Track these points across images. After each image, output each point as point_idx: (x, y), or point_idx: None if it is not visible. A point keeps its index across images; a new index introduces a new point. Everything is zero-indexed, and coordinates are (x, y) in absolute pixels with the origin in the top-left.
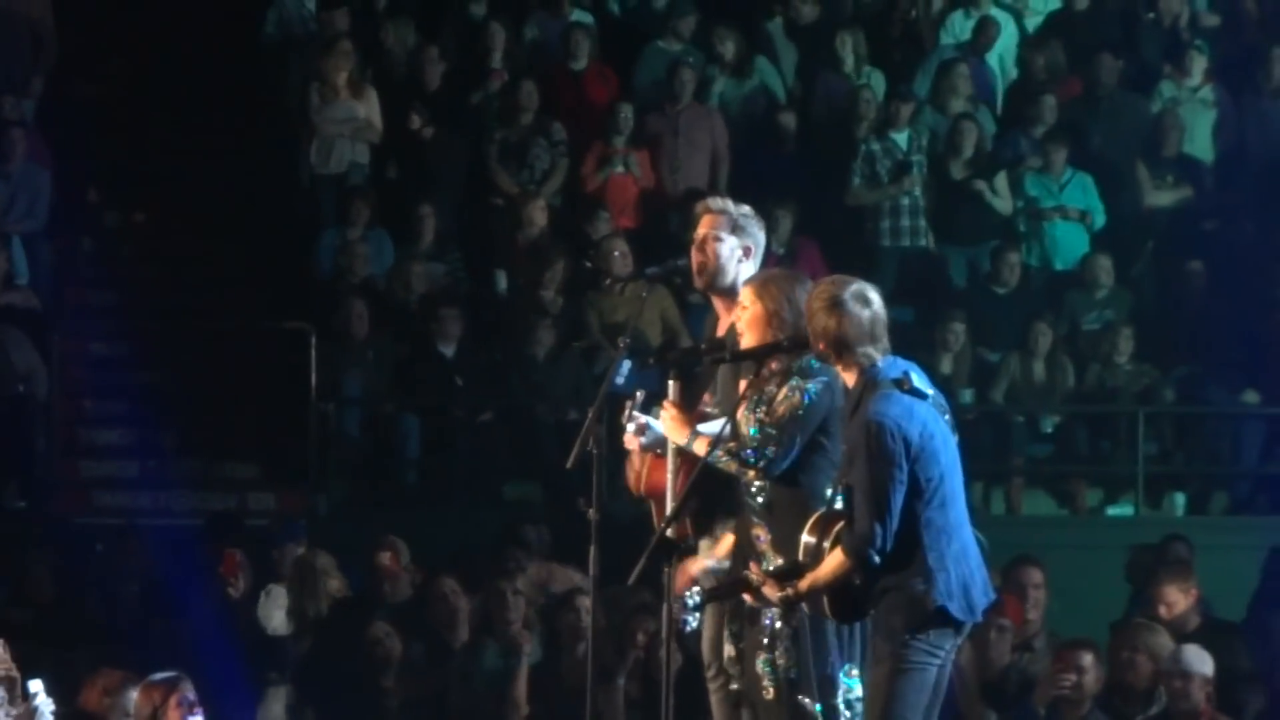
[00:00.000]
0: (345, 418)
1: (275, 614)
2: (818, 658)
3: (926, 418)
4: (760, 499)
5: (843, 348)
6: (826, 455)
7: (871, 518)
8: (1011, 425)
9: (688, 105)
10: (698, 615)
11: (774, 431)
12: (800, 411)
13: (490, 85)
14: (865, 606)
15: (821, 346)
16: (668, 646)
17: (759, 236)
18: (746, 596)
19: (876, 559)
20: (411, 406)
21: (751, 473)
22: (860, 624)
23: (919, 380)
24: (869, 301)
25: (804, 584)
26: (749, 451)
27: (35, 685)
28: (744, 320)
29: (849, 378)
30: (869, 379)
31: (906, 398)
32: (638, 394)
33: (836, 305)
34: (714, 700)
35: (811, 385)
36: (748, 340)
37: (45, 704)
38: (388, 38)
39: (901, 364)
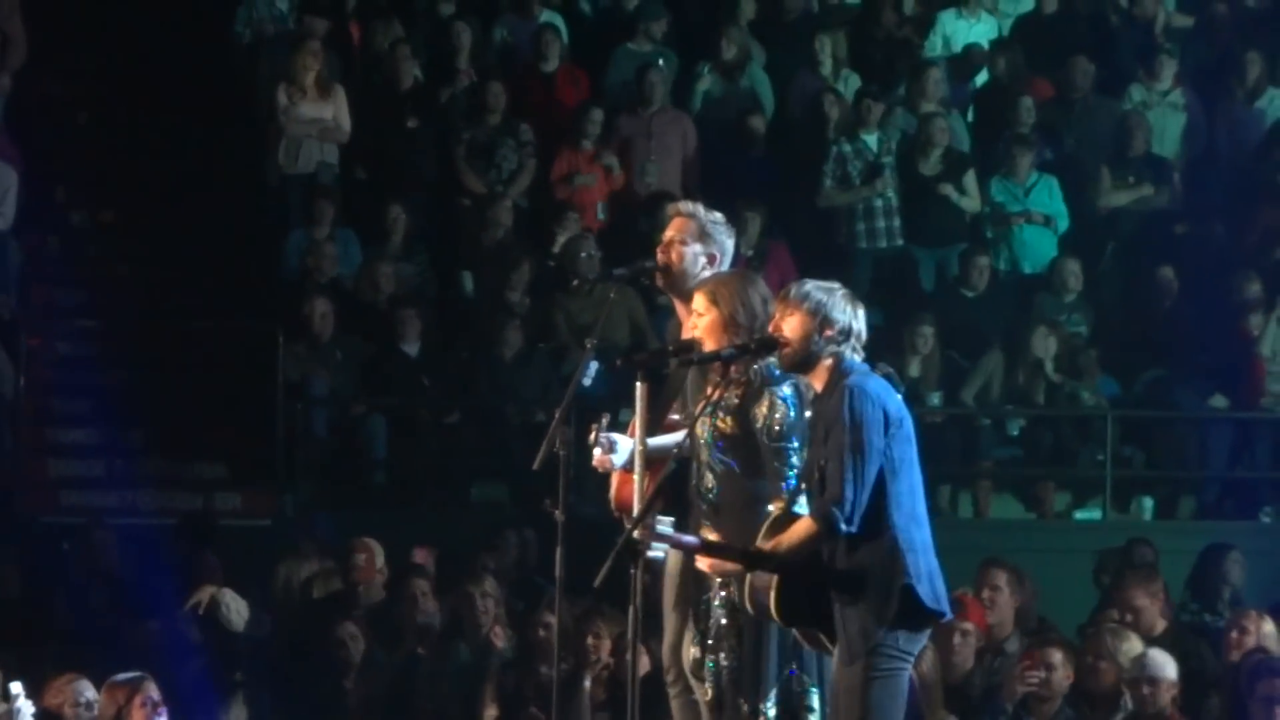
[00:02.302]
0: (313, 418)
1: (235, 616)
2: (760, 660)
3: (901, 404)
4: (710, 498)
5: (809, 340)
6: (783, 460)
7: (844, 482)
8: (980, 428)
9: (660, 108)
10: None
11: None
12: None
13: (458, 85)
14: (813, 607)
15: (791, 347)
16: (634, 647)
17: (726, 244)
18: (702, 559)
19: (844, 527)
20: (379, 407)
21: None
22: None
23: (892, 379)
24: (833, 291)
25: (769, 545)
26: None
27: (16, 687)
28: (701, 327)
29: (821, 376)
30: (845, 368)
31: (883, 382)
32: (603, 416)
33: (794, 297)
34: (674, 706)
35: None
36: (708, 346)
37: (26, 705)
38: (358, 38)
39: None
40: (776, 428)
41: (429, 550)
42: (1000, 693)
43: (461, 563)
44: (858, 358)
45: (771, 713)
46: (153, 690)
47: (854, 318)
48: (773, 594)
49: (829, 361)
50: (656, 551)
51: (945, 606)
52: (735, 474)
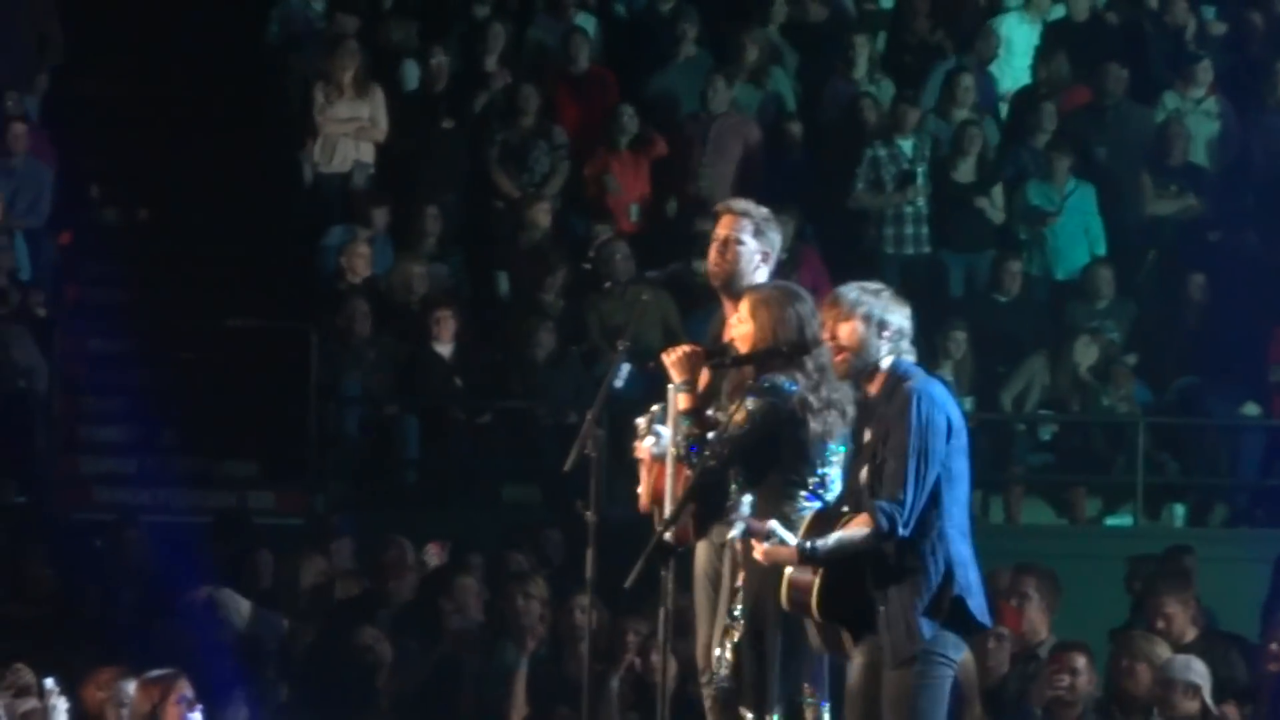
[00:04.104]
0: (345, 417)
1: (235, 616)
2: (766, 672)
3: (961, 414)
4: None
5: (863, 344)
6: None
7: (906, 485)
8: (1012, 433)
9: (721, 114)
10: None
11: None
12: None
13: (493, 86)
14: (851, 605)
15: (844, 352)
16: (664, 648)
17: (777, 240)
18: (764, 547)
19: (903, 530)
20: (411, 407)
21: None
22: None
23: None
24: (882, 295)
25: (830, 540)
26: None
27: (50, 683)
28: (739, 334)
29: (875, 379)
30: (902, 372)
31: (945, 388)
32: (655, 407)
33: (842, 301)
34: (707, 706)
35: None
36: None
37: (60, 702)
38: (393, 38)
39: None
40: (735, 428)
41: (441, 546)
42: (1030, 697)
43: (493, 564)
44: (911, 359)
45: None
46: (186, 688)
47: (905, 318)
48: (815, 590)
49: (886, 365)
50: (735, 530)
51: (988, 618)
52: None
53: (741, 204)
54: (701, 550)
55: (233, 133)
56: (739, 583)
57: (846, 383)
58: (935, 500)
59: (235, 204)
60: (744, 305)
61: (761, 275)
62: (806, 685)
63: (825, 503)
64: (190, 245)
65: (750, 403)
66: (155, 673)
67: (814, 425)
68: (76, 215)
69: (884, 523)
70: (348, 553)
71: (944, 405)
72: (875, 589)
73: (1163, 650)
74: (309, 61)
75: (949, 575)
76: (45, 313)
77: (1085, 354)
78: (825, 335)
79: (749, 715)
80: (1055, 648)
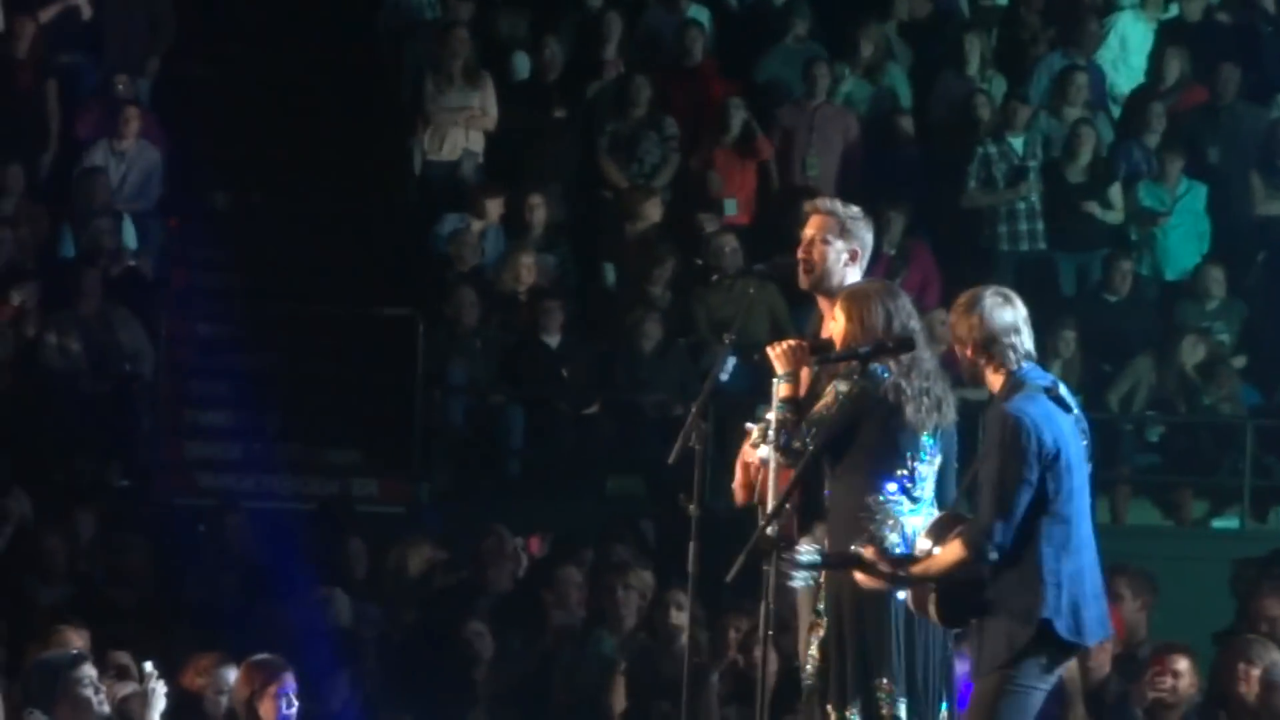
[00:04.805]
0: (450, 406)
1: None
2: (845, 666)
3: (1065, 430)
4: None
5: (989, 345)
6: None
7: (995, 512)
8: (1120, 433)
9: (822, 102)
10: (807, 575)
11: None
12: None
13: (606, 76)
14: (971, 612)
15: (969, 352)
16: (764, 644)
17: (866, 239)
18: (858, 574)
19: (994, 555)
20: (517, 397)
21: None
22: (927, 647)
23: (1066, 394)
24: (1010, 301)
25: (918, 568)
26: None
27: (149, 666)
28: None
29: (996, 384)
30: (1016, 380)
31: (1051, 404)
32: (768, 416)
33: (976, 304)
34: (803, 700)
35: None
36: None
37: (159, 685)
38: (503, 29)
39: (1050, 375)
40: (823, 410)
41: (540, 539)
42: (1131, 699)
43: (598, 556)
44: (1027, 363)
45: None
46: (290, 681)
47: (1022, 323)
48: (932, 602)
49: (1000, 370)
50: (798, 580)
51: (1087, 636)
52: (835, 473)
53: (828, 203)
54: (804, 546)
55: (343, 119)
56: (822, 578)
57: (944, 378)
58: (1033, 522)
59: (344, 190)
60: (837, 304)
61: (853, 274)
62: (884, 680)
63: (913, 499)
64: (298, 231)
65: (841, 385)
66: (262, 657)
67: (907, 412)
68: (186, 199)
69: (971, 553)
70: (446, 541)
71: (1041, 426)
72: (980, 600)
73: (1271, 653)
74: (420, 49)
75: (1039, 596)
76: (153, 296)
77: (1192, 354)
78: (952, 338)
79: (831, 712)
80: (1157, 649)
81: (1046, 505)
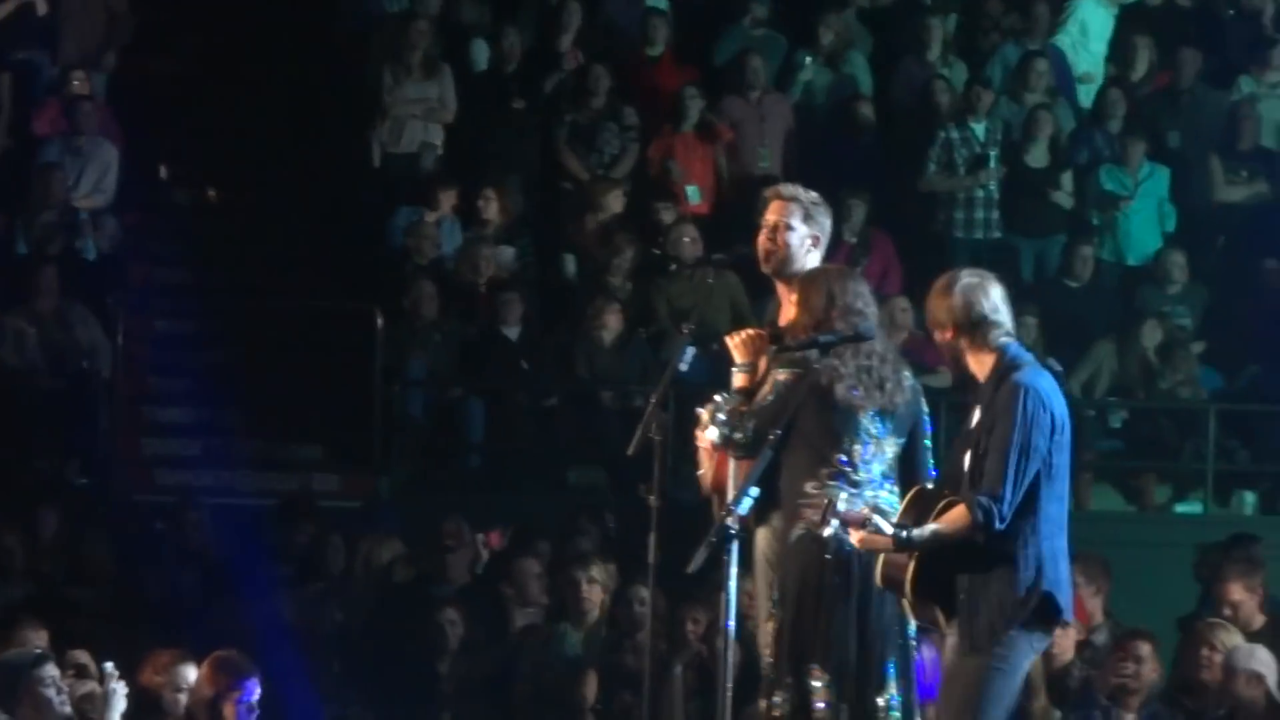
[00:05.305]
0: (410, 400)
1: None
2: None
3: (1065, 409)
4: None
5: (972, 326)
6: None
7: (1005, 480)
8: (1082, 419)
9: (765, 91)
10: (838, 526)
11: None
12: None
13: (565, 67)
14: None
15: (949, 335)
16: (725, 635)
17: (826, 225)
18: (861, 536)
19: (999, 525)
20: (477, 389)
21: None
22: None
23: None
24: (987, 281)
25: (926, 530)
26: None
27: (109, 667)
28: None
29: (984, 363)
30: (1011, 359)
31: (1053, 380)
32: (716, 398)
33: (953, 286)
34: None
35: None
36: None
37: (119, 686)
38: (464, 18)
39: (1032, 355)
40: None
41: (499, 533)
42: (1094, 684)
43: (559, 548)
44: (1011, 340)
45: (783, 709)
46: (255, 688)
47: (1001, 302)
48: (910, 570)
49: (992, 351)
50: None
51: (1071, 612)
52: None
53: (790, 188)
54: (761, 536)
55: (302, 113)
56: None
57: (899, 361)
58: (1033, 495)
59: (303, 185)
60: (796, 287)
61: (813, 260)
62: (814, 668)
63: (853, 483)
64: (257, 226)
65: (780, 374)
66: (229, 657)
67: (837, 391)
68: (143, 195)
69: (980, 517)
70: (406, 535)
71: (1050, 400)
72: (962, 576)
73: (1235, 637)
74: (379, 41)
75: (1039, 570)
76: (110, 292)
77: (1151, 337)
78: (928, 320)
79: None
80: (1121, 636)
81: (1050, 478)
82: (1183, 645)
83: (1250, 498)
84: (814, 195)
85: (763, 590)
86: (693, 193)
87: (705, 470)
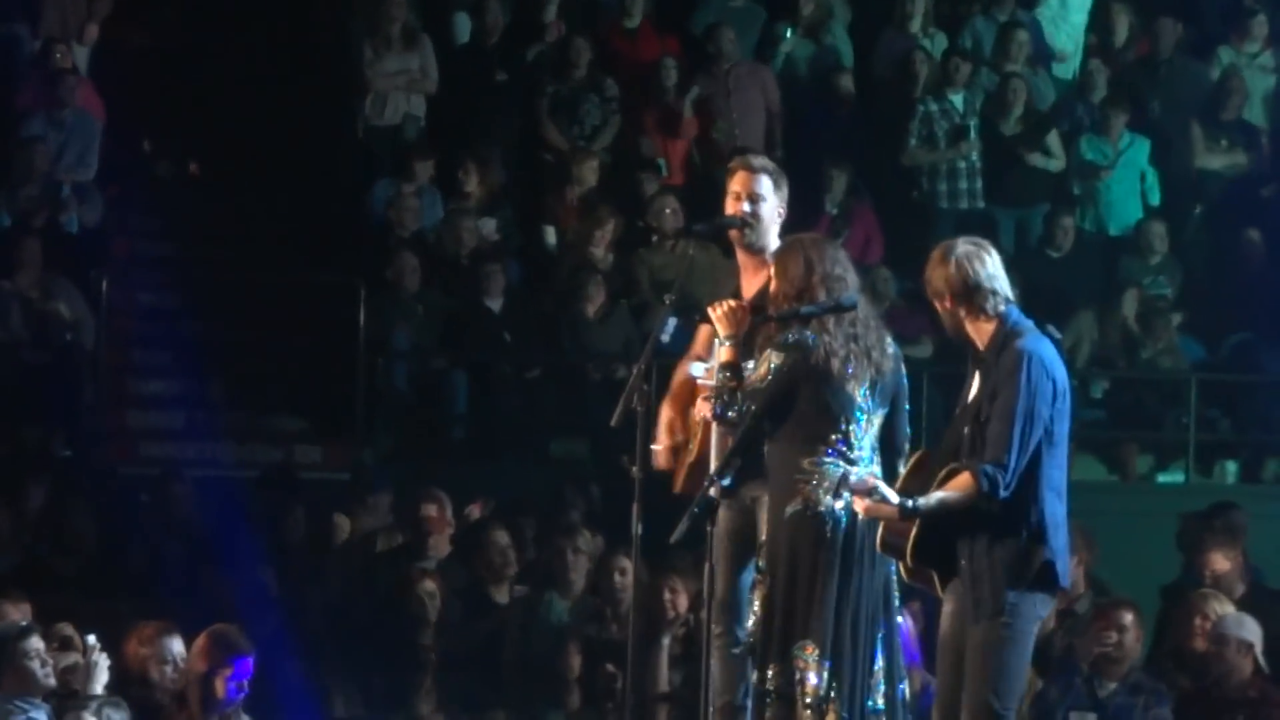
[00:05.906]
0: (393, 371)
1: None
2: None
3: (1066, 376)
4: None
5: (970, 293)
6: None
7: (1009, 448)
8: None
9: (737, 63)
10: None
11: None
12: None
13: (547, 38)
14: (945, 552)
15: (947, 303)
16: (709, 605)
17: (785, 194)
18: (865, 503)
19: (1004, 493)
20: (460, 361)
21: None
22: (865, 610)
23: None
24: (984, 248)
25: (932, 499)
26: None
27: (92, 639)
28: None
29: (984, 330)
30: (1012, 326)
31: (1055, 349)
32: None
33: (951, 254)
34: (715, 659)
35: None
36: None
37: (102, 659)
38: None
39: (1031, 321)
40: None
41: (482, 504)
42: (1076, 653)
43: (543, 519)
44: (1011, 307)
45: (774, 681)
46: (249, 668)
47: (998, 269)
48: (912, 537)
49: (992, 318)
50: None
51: (1068, 579)
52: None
53: (760, 160)
54: (723, 508)
55: (284, 86)
56: (764, 537)
57: (881, 328)
58: (1036, 463)
59: (286, 158)
60: (774, 262)
61: (776, 229)
62: (808, 643)
63: (849, 460)
64: (240, 199)
65: (773, 357)
66: (226, 634)
67: (834, 367)
68: (126, 168)
69: (986, 485)
70: (388, 507)
71: (1052, 367)
72: (963, 543)
73: (1223, 607)
74: (360, 13)
75: (1041, 538)
76: (93, 265)
77: (1131, 307)
78: (928, 290)
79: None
80: (1104, 605)
81: (1052, 446)
82: (1171, 614)
83: (1232, 467)
84: (775, 164)
85: (721, 560)
86: (664, 165)
87: (661, 446)
